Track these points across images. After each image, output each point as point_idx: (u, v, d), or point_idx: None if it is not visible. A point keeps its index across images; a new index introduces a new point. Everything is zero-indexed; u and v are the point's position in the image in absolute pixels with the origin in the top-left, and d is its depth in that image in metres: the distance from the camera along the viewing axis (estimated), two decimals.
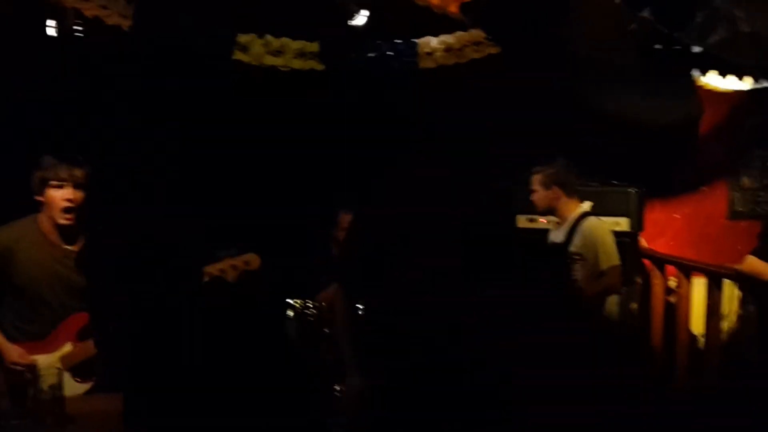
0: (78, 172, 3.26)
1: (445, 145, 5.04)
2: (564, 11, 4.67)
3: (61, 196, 3.24)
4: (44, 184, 3.27)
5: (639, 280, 5.18)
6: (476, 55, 5.07)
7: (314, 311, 4.00)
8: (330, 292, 4.01)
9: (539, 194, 4.49)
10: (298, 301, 4.03)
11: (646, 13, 4.45)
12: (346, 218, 4.62)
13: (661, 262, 5.28)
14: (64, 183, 3.25)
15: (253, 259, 3.52)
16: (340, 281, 3.00)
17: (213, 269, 3.42)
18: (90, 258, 3.22)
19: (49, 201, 3.26)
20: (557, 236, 4.46)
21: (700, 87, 5.08)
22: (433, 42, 5.06)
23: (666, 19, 4.48)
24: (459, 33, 5.08)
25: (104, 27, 4.26)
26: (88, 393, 3.24)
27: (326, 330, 3.98)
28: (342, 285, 2.97)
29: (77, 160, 3.30)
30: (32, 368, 2.87)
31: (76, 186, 3.26)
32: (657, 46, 4.63)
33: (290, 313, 3.98)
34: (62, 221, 3.26)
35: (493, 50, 5.06)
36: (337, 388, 3.75)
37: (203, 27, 4.57)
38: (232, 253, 3.48)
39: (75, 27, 4.23)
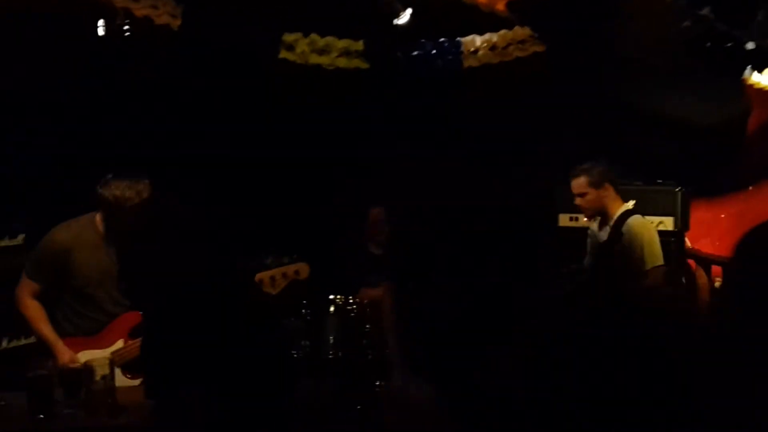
0: (135, 191, 3.27)
1: (487, 144, 5.08)
2: (614, 9, 4.63)
3: None
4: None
5: (684, 280, 5.12)
6: (520, 54, 5.06)
7: (355, 308, 4.04)
8: (374, 290, 4.06)
9: (590, 195, 4.24)
10: (340, 298, 4.07)
11: (706, 12, 4.40)
12: (375, 212, 4.67)
13: (706, 262, 5.21)
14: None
15: (302, 269, 3.50)
16: (390, 279, 3.02)
17: (264, 276, 3.42)
18: (144, 259, 3.30)
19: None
20: (601, 235, 4.40)
21: (749, 85, 5.01)
22: (477, 40, 5.07)
23: (726, 17, 4.43)
24: (504, 31, 5.09)
25: (153, 26, 4.36)
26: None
27: (367, 327, 4.02)
28: (392, 283, 2.99)
29: (136, 176, 3.31)
30: (85, 364, 2.95)
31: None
32: (708, 44, 4.59)
33: (332, 309, 4.02)
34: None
35: (538, 48, 5.05)
36: (378, 383, 3.81)
37: (250, 26, 4.64)
38: (284, 261, 3.46)
39: (124, 27, 4.31)
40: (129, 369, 3.35)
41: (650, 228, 4.37)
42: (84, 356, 3.21)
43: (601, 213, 4.33)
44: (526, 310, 2.87)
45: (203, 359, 1.87)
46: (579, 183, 4.26)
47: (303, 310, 3.97)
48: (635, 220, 4.30)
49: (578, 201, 4.30)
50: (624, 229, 4.25)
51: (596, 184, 4.24)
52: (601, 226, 4.37)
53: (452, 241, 2.88)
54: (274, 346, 2.04)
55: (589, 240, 4.52)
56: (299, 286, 3.55)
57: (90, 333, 3.38)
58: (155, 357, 1.94)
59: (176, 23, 4.40)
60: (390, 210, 4.59)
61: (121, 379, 3.20)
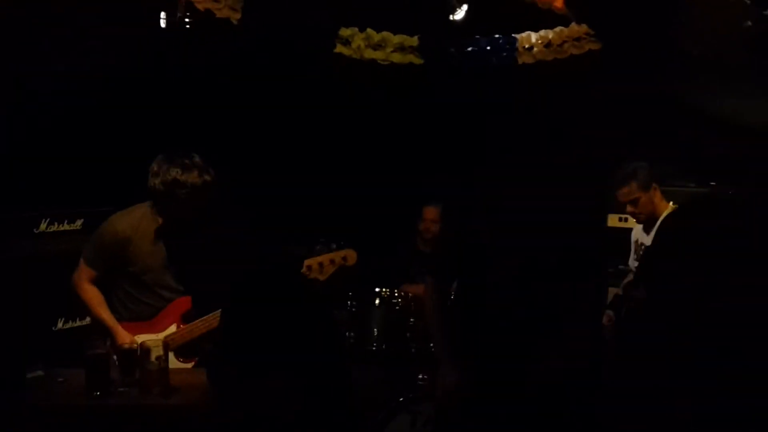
0: (207, 177, 3.37)
1: (538, 141, 5.06)
2: (673, 7, 4.56)
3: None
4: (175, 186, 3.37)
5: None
6: (576, 51, 5.02)
7: (401, 301, 4.10)
8: (418, 284, 4.10)
9: (643, 199, 4.12)
10: (386, 290, 4.13)
11: None
12: (429, 210, 4.71)
13: None
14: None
15: (350, 255, 3.54)
16: (433, 274, 3.05)
17: (312, 262, 3.47)
18: (198, 246, 3.39)
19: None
20: (646, 238, 4.34)
21: None
22: (532, 37, 5.05)
23: None
24: (559, 28, 5.05)
25: (214, 20, 4.45)
26: None
27: (412, 320, 4.08)
28: (435, 278, 3.02)
29: (205, 166, 3.40)
30: (141, 345, 3.06)
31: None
32: None
33: (377, 301, 4.09)
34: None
35: (594, 46, 5.00)
36: (421, 376, 3.88)
37: (307, 21, 4.71)
38: (332, 247, 3.52)
39: (185, 19, 4.40)
40: (181, 352, 3.48)
41: None
42: (139, 339, 3.33)
43: (652, 216, 4.19)
44: (574, 312, 2.88)
45: (262, 347, 1.95)
46: (629, 190, 4.13)
47: (348, 302, 4.06)
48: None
49: (630, 209, 4.17)
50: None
51: (645, 187, 4.13)
52: (647, 228, 4.28)
53: (503, 241, 2.89)
54: (328, 332, 2.11)
55: (634, 242, 4.47)
56: (347, 272, 3.59)
57: (144, 318, 3.51)
58: (227, 345, 2.02)
59: (236, 17, 4.48)
60: (444, 209, 4.64)
61: (173, 362, 3.32)
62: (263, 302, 2.07)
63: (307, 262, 3.47)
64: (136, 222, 3.48)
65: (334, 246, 3.53)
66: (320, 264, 3.49)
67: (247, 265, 2.33)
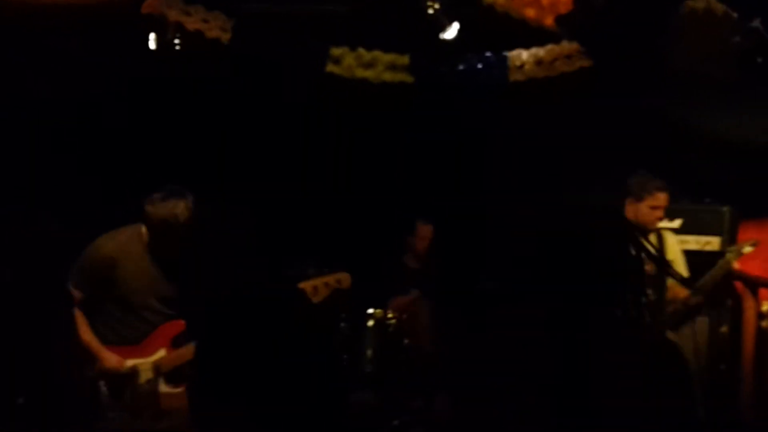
0: (184, 209, 3.33)
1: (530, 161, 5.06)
2: (663, 24, 4.58)
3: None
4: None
5: (730, 302, 5.03)
6: (567, 69, 5.03)
7: (394, 322, 4.07)
8: (404, 297, 4.09)
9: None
10: (378, 312, 4.10)
11: (756, 24, 4.33)
12: (423, 229, 4.70)
13: (754, 284, 5.10)
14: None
15: (344, 278, 3.51)
16: (424, 291, 3.01)
17: (307, 285, 3.44)
18: (186, 269, 3.35)
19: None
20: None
21: None
22: (523, 55, 5.06)
23: None
24: (550, 46, 5.06)
25: (204, 40, 4.44)
26: None
27: (406, 341, 4.05)
28: (427, 295, 2.99)
29: (183, 193, 3.38)
30: (131, 368, 3.01)
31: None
32: (759, 59, 4.51)
33: (370, 323, 4.05)
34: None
35: (585, 63, 5.01)
36: (415, 398, 3.84)
37: (298, 40, 4.71)
38: (324, 270, 3.49)
39: (175, 40, 4.40)
40: (171, 377, 3.42)
41: None
42: (128, 363, 3.29)
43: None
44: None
45: (252, 369, 1.91)
46: (665, 195, 4.24)
47: (341, 324, 4.02)
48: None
49: (659, 214, 4.24)
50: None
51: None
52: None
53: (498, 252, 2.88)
54: (323, 354, 2.08)
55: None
56: (341, 295, 3.57)
57: (131, 342, 3.44)
58: (205, 368, 1.99)
59: (226, 37, 4.48)
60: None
61: (163, 387, 3.27)
62: (255, 327, 2.04)
63: (301, 286, 3.43)
64: (122, 244, 3.45)
65: (327, 270, 3.50)
66: (315, 287, 3.45)
67: (238, 288, 2.30)
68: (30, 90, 4.44)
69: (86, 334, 3.41)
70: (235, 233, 4.26)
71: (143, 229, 3.45)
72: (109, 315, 3.47)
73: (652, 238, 4.25)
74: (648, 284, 4.14)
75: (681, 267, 4.29)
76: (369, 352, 4.01)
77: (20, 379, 3.56)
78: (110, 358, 3.34)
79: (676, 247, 4.33)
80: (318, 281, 3.46)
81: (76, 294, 3.45)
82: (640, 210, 4.22)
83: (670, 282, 4.23)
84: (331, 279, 3.48)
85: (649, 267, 4.16)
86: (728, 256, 4.23)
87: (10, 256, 3.49)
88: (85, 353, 3.40)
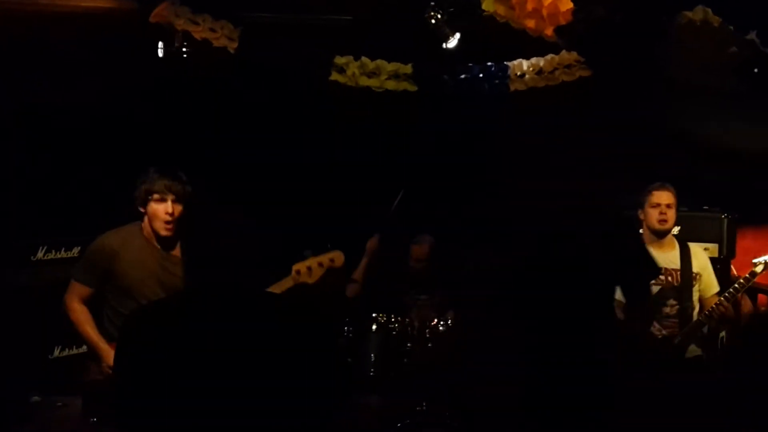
0: (178, 187, 3.45)
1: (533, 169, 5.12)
2: (662, 34, 4.64)
3: (163, 209, 3.44)
4: (148, 195, 3.47)
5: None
6: (567, 78, 5.10)
7: (398, 326, 4.11)
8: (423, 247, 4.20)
9: (674, 207, 4.26)
10: (382, 316, 4.14)
11: (752, 36, 4.39)
12: (417, 249, 4.73)
13: (752, 291, 5.16)
14: (166, 196, 3.44)
15: (337, 256, 3.53)
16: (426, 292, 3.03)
17: (301, 266, 3.46)
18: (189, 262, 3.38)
19: (152, 213, 3.47)
20: (666, 258, 4.25)
21: None
22: (524, 64, 5.14)
23: None
24: (550, 55, 5.14)
25: (212, 49, 4.51)
26: None
27: (409, 345, 4.09)
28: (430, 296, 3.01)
29: (178, 175, 3.49)
30: None
31: (177, 200, 3.45)
32: (756, 70, 4.57)
33: (374, 327, 4.09)
34: (163, 233, 3.46)
35: (584, 73, 5.08)
36: (419, 402, 3.87)
37: (303, 49, 4.78)
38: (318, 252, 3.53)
39: (182, 49, 4.46)
40: None
41: None
42: None
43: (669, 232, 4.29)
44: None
45: (252, 369, 1.95)
46: (671, 193, 4.25)
47: (345, 328, 4.06)
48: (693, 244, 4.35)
49: (666, 211, 4.22)
50: (689, 252, 4.25)
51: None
52: (666, 248, 4.29)
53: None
54: (323, 346, 2.10)
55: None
56: (336, 275, 3.59)
57: None
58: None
59: (233, 46, 4.55)
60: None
61: None
62: (256, 315, 2.08)
63: (295, 267, 3.45)
64: (123, 237, 3.51)
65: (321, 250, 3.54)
66: (309, 268, 3.46)
67: (240, 282, 2.35)
68: (38, 96, 4.50)
69: (91, 330, 3.46)
70: (238, 230, 4.30)
71: (144, 223, 3.52)
72: (111, 310, 3.51)
73: (676, 251, 4.26)
74: (670, 295, 4.19)
75: (708, 281, 4.29)
76: (372, 356, 4.05)
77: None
78: (112, 356, 3.38)
79: (704, 261, 4.32)
80: (311, 261, 3.47)
81: (80, 289, 3.50)
82: (646, 215, 4.26)
83: (703, 295, 4.26)
84: (324, 258, 3.49)
85: (670, 278, 4.20)
86: (756, 269, 4.13)
87: None
88: (91, 353, 3.46)
